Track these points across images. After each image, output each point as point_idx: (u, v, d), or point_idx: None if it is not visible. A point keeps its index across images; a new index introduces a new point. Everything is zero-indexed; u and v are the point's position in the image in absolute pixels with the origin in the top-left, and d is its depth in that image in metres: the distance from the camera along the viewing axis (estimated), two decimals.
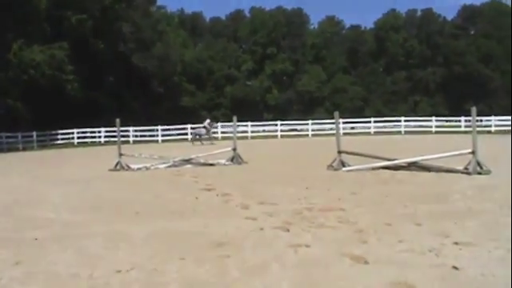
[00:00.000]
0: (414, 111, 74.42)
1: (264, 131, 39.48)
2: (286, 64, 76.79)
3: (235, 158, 13.52)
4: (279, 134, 37.59)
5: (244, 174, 11.02)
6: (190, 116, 57.99)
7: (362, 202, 6.70)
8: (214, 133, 31.57)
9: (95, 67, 43.38)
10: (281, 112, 69.70)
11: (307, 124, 39.28)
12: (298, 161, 14.12)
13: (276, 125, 40.00)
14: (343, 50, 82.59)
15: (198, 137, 28.63)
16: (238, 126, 38.02)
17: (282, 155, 17.40)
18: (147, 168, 12.93)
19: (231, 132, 30.34)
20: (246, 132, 39.10)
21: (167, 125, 39.33)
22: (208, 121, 29.69)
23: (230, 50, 78.00)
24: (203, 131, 28.64)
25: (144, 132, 39.26)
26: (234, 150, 13.73)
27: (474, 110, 9.90)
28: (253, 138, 35.68)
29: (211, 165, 13.20)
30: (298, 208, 6.44)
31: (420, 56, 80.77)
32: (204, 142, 27.59)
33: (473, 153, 9.55)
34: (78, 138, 37.42)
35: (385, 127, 42.56)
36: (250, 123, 38.83)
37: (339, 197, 7.24)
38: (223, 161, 13.54)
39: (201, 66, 72.02)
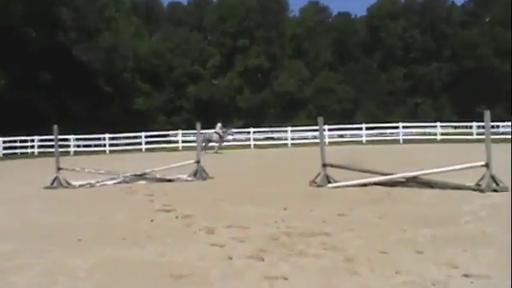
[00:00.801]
0: (414, 115, 75.86)
1: (234, 140, 39.54)
2: (261, 59, 77.41)
3: (199, 173, 13.50)
4: (252, 143, 37.71)
5: (209, 191, 11.01)
6: (145, 121, 57.68)
7: (352, 225, 6.75)
8: (227, 141, 32.45)
9: (26, 61, 42.62)
10: (254, 117, 70.07)
11: (286, 131, 39.58)
12: (275, 175, 14.18)
13: (248, 132, 40.14)
14: (329, 43, 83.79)
15: (207, 143, 30.06)
16: (202, 133, 37.99)
17: (256, 169, 17.44)
18: (92, 185, 12.77)
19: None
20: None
21: (117, 132, 38.99)
22: (219, 125, 30.89)
23: (192, 42, 78.15)
24: (215, 136, 30.20)
25: (88, 141, 38.82)
26: (198, 162, 13.70)
27: (487, 114, 9.99)
28: (220, 148, 35.65)
29: (170, 180, 13.14)
30: (275, 232, 6.45)
31: (422, 49, 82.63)
32: (218, 150, 29.58)
33: (486, 166, 9.66)
34: (5, 148, 36.64)
35: (379, 135, 43.28)
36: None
37: (324, 219, 7.27)
38: (184, 176, 13.49)
39: (158, 61, 71.85)
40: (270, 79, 78.95)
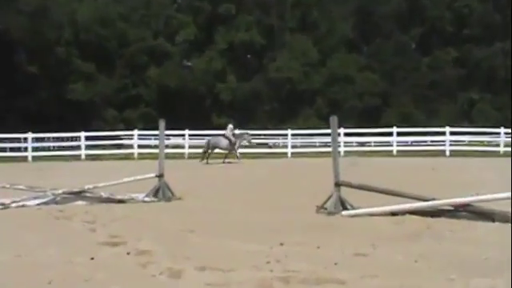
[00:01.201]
0: (467, 117, 76.41)
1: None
2: (252, 33, 77.67)
3: (162, 191, 13.47)
4: (238, 151, 37.69)
5: (176, 217, 10.99)
6: (85, 116, 57.52)
7: (376, 270, 6.73)
8: (241, 147, 33.62)
9: None
10: (241, 114, 70.15)
11: (285, 135, 39.62)
12: (269, 197, 14.21)
13: (233, 135, 40.15)
14: (349, 12, 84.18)
15: (211, 150, 31.43)
16: (169, 136, 38.08)
17: (242, 187, 17.44)
18: (5, 206, 12.67)
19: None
20: (180, 147, 39.04)
21: (44, 131, 38.85)
22: (231, 126, 32.53)
23: (155, 6, 78.05)
24: (223, 143, 31.65)
25: (3, 143, 38.57)
26: (160, 177, 13.66)
27: None
28: (193, 156, 35.64)
29: (120, 201, 13.09)
30: (267, 278, 6.42)
31: (481, 24, 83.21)
32: (226, 159, 31.20)
33: None
34: None
35: (417, 143, 43.42)
36: (187, 131, 38.86)
37: (336, 260, 7.25)
38: (141, 195, 13.45)
39: (105, 32, 71.76)
40: (264, 61, 79.14)
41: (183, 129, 38.48)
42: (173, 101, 70.71)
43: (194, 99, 72.74)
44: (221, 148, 31.48)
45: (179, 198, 13.51)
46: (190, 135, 39.33)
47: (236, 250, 8.00)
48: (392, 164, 28.29)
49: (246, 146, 34.33)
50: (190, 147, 39.14)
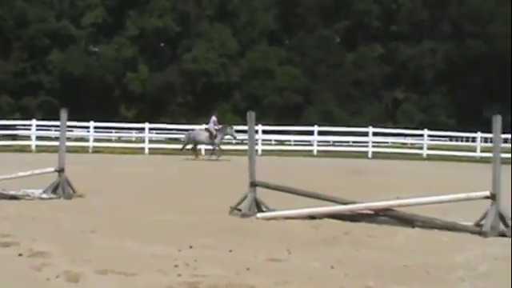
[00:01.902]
0: (391, 117, 78.02)
1: (120, 140, 39.14)
2: (166, 19, 77.16)
3: (61, 187, 13.25)
4: (147, 146, 37.42)
5: (76, 216, 10.83)
6: None
7: (290, 276, 6.78)
8: (233, 141, 33.71)
9: None
10: (152, 106, 69.72)
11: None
12: (179, 196, 14.19)
13: (142, 130, 39.83)
14: (271, 2, 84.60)
15: (191, 145, 31.55)
16: (72, 128, 37.45)
17: (151, 185, 17.35)
18: None
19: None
20: (84, 140, 38.42)
21: None
22: (214, 119, 32.36)
23: None
24: (203, 136, 31.63)
25: None
26: (60, 171, 13.43)
27: (497, 120, 10.29)
28: (98, 150, 35.18)
29: (13, 197, 12.80)
30: (173, 283, 6.39)
31: (409, 20, 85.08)
32: (207, 155, 31.45)
33: (492, 198, 9.89)
34: None
35: (339, 143, 44.04)
36: (92, 124, 38.29)
37: (248, 265, 7.27)
38: (38, 191, 13.19)
39: (1, 11, 69.87)
40: (178, 51, 78.73)
41: (88, 120, 37.86)
42: (77, 89, 69.57)
43: (101, 89, 71.75)
44: (200, 142, 31.58)
45: (81, 196, 13.30)
46: (95, 128, 38.73)
47: (141, 252, 7.92)
48: (312, 164, 28.62)
49: (158, 141, 34.07)
50: (95, 140, 38.59)
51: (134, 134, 49.21)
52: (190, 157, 31.20)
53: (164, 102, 74.29)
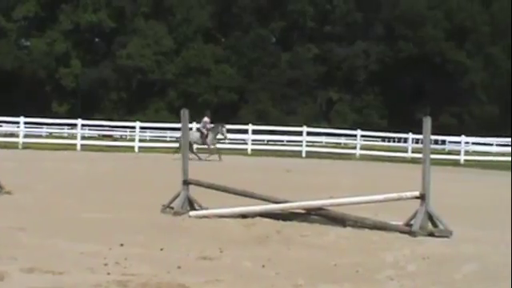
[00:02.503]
0: (326, 117, 78.87)
1: (51, 136, 38.57)
2: (101, 15, 76.29)
3: None
4: (79, 142, 36.91)
5: (2, 213, 10.63)
6: None
7: (221, 275, 6.75)
8: (220, 140, 32.80)
9: None
10: (85, 102, 68.83)
11: (133, 128, 39.22)
12: (111, 194, 14.06)
13: (74, 126, 39.33)
14: (206, 0, 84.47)
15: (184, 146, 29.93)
16: (1, 123, 36.71)
17: (82, 182, 17.15)
18: None
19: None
20: (14, 136, 37.75)
21: None
22: (206, 119, 31.61)
23: None
24: (195, 136, 30.61)
25: None
26: None
27: (427, 122, 10.41)
28: (28, 146, 34.57)
29: None
30: (102, 281, 6.28)
31: (343, 22, 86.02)
32: (201, 156, 29.86)
33: (421, 198, 10.03)
34: None
35: (274, 143, 44.24)
36: (23, 119, 37.58)
37: (180, 263, 7.23)
38: None
39: None
40: (113, 47, 77.93)
41: (18, 116, 37.10)
42: (7, 84, 68.16)
43: (32, 84, 70.55)
44: (192, 142, 29.92)
45: (8, 192, 13.01)
46: (25, 123, 37.98)
47: (70, 250, 7.79)
48: (246, 163, 28.67)
49: (91, 138, 33.63)
50: (26, 136, 37.90)
51: (66, 130, 48.57)
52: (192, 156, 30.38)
53: (97, 98, 73.51)
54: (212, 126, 31.69)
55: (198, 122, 37.79)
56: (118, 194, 14.12)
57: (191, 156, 28.55)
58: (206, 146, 31.26)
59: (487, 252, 8.84)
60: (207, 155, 30.25)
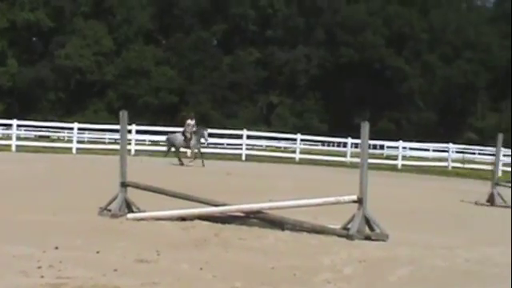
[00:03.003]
0: (266, 121, 79.09)
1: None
2: (39, 13, 75.17)
3: None
4: (14, 143, 36.26)
5: None
6: None
7: (158, 278, 6.74)
8: (202, 144, 31.03)
9: None
10: (22, 102, 67.72)
11: (71, 129, 38.76)
12: (46, 196, 13.86)
13: (10, 126, 38.65)
14: (147, 1, 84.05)
15: (171, 148, 30.30)
16: None
17: (16, 184, 16.88)
18: None
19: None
20: None
21: None
22: (190, 122, 30.35)
23: None
24: (178, 139, 29.80)
25: None
26: None
27: (365, 127, 10.53)
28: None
29: None
30: (35, 285, 6.25)
31: (285, 26, 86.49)
32: (186, 160, 29.37)
33: (359, 202, 10.19)
34: None
35: (214, 146, 44.26)
36: None
37: (116, 266, 7.21)
38: None
39: None
40: (51, 47, 76.86)
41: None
42: None
43: None
44: (178, 146, 29.62)
45: None
46: None
47: (2, 253, 7.67)
48: (186, 166, 28.58)
49: (27, 139, 33.05)
50: None
51: (0, 131, 47.67)
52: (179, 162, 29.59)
53: (35, 98, 72.36)
54: (194, 129, 30.27)
55: (137, 124, 37.57)
56: (54, 196, 13.92)
57: (178, 161, 29.13)
58: (188, 150, 30.56)
59: (422, 255, 9.03)
60: (190, 160, 29.51)
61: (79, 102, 73.28)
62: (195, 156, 29.74)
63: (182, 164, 28.77)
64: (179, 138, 29.85)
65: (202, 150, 30.57)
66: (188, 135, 29.57)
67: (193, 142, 29.65)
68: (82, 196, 13.85)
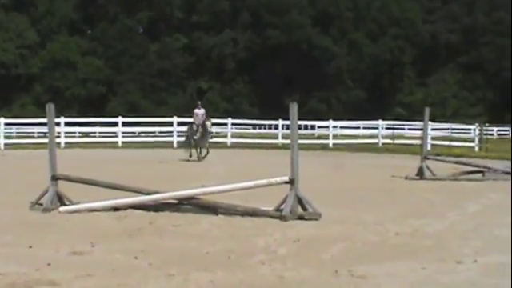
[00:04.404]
0: (196, 107, 78.58)
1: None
2: None
3: None
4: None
5: None
6: None
7: (93, 269, 6.72)
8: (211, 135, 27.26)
9: None
10: None
11: None
12: None
13: None
14: None
15: (191, 140, 26.24)
16: None
17: None
18: None
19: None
20: None
21: None
22: (198, 111, 26.84)
23: None
24: (194, 129, 26.02)
25: None
26: None
27: (294, 108, 10.68)
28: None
29: None
30: None
31: (210, 11, 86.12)
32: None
33: (291, 182, 10.32)
34: None
35: (145, 134, 44.01)
36: None
37: (50, 260, 7.16)
38: None
39: None
40: None
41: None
42: None
43: None
44: (194, 137, 25.89)
45: None
46: None
47: None
48: (117, 156, 28.37)
49: None
50: None
51: None
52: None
53: None
54: (205, 119, 26.70)
55: (66, 116, 37.03)
56: None
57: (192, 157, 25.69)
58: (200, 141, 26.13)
59: (354, 231, 9.22)
60: (202, 153, 26.00)
61: (5, 96, 71.74)
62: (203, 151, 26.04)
63: (200, 159, 25.50)
64: (194, 128, 26.12)
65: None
66: (195, 127, 26.05)
67: (208, 133, 25.98)
68: (12, 192, 13.64)
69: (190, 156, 25.92)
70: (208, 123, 26.26)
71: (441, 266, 7.08)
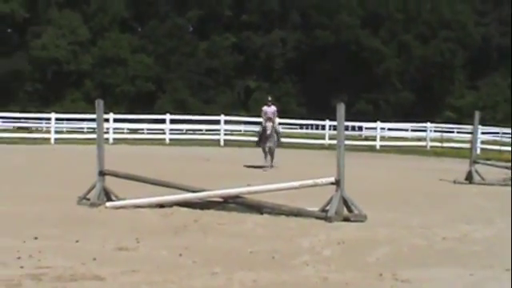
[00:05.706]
0: (244, 106, 78.86)
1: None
2: (13, 4, 74.47)
3: None
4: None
5: None
6: None
7: (138, 265, 6.76)
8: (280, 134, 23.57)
9: None
10: (0, 95, 67.16)
11: (49, 119, 38.51)
12: (26, 186, 13.80)
13: None
14: None
15: (263, 148, 21.86)
16: None
17: None
18: None
19: None
20: None
21: None
22: (268, 109, 22.63)
23: None
24: (269, 130, 21.49)
25: None
26: None
27: (341, 108, 10.60)
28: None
29: None
30: (15, 275, 6.21)
31: (261, 9, 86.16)
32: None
33: (337, 184, 10.26)
34: None
35: (192, 132, 44.20)
36: None
37: (95, 255, 7.21)
38: None
39: None
40: (27, 37, 76.22)
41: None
42: None
43: None
44: (270, 140, 21.67)
45: None
46: None
47: None
48: (164, 153, 28.53)
49: (6, 130, 32.68)
50: None
51: None
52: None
53: (12, 89, 71.76)
54: (275, 119, 22.84)
55: (115, 113, 37.37)
56: (33, 187, 13.86)
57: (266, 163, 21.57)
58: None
59: (400, 235, 9.10)
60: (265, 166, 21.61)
61: (56, 92, 72.79)
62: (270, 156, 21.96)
63: (271, 165, 21.64)
64: (269, 128, 21.63)
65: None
66: (268, 132, 21.49)
67: (272, 145, 21.68)
68: (60, 186, 13.81)
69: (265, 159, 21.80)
70: (276, 122, 22.93)
71: (489, 273, 6.96)
